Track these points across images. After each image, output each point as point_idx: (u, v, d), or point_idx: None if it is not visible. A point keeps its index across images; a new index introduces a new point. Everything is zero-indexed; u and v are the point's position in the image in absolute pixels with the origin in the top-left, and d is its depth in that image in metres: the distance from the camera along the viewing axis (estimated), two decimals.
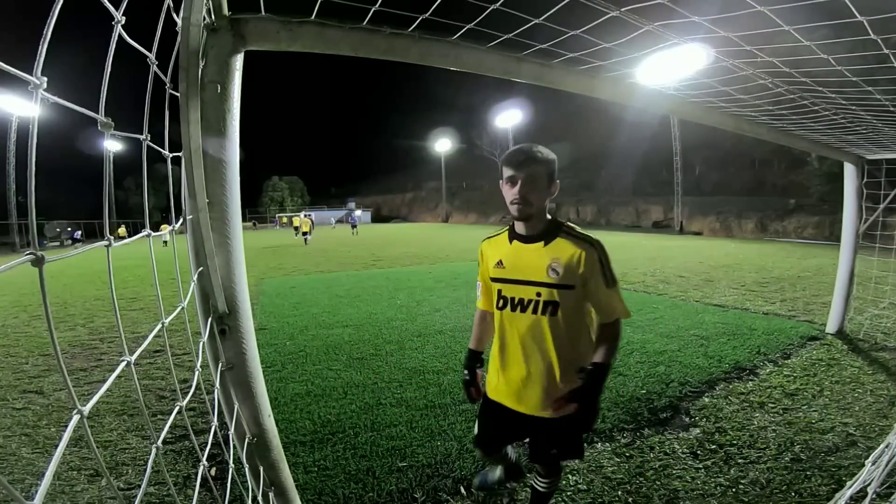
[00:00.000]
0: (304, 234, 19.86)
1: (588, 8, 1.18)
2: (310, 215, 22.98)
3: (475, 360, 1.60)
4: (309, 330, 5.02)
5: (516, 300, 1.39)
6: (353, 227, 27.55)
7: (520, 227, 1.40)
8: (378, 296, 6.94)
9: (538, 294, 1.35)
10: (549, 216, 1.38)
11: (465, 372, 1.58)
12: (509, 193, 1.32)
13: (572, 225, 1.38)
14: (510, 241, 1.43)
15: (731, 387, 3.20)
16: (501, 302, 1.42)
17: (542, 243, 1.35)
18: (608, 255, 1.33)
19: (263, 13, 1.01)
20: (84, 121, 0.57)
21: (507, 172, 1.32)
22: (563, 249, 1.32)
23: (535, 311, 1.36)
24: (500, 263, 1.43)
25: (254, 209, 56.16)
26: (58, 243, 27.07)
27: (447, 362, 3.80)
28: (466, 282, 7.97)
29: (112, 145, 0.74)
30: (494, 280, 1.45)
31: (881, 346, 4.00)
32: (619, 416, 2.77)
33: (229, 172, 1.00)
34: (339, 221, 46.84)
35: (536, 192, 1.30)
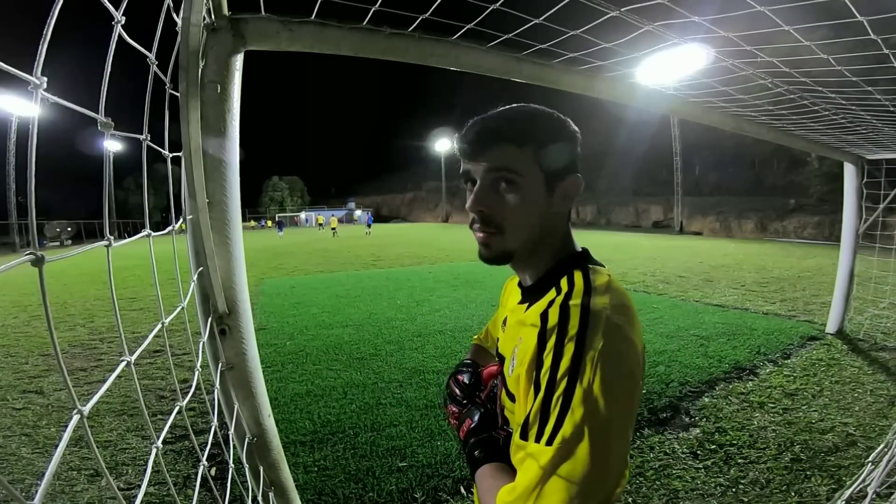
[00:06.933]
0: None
1: (588, 8, 1.18)
2: (309, 215, 28.40)
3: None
4: (309, 330, 5.02)
5: None
6: (368, 226, 30.10)
7: None
8: (378, 296, 6.94)
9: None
10: (563, 246, 0.69)
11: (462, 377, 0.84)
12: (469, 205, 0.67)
13: (596, 269, 0.64)
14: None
15: (731, 387, 3.20)
16: None
17: (528, 303, 0.68)
18: (594, 360, 0.51)
19: (263, 13, 1.02)
20: (84, 121, 0.57)
21: (463, 164, 0.68)
22: (534, 320, 0.61)
23: None
24: (504, 322, 0.80)
25: (254, 209, 56.21)
26: (58, 243, 27.09)
27: (447, 362, 3.80)
28: (466, 282, 7.96)
29: (112, 145, 0.74)
30: (497, 350, 0.80)
31: (881, 346, 4.00)
32: None
33: (229, 172, 1.00)
34: (340, 221, 47.74)
35: (523, 202, 0.63)
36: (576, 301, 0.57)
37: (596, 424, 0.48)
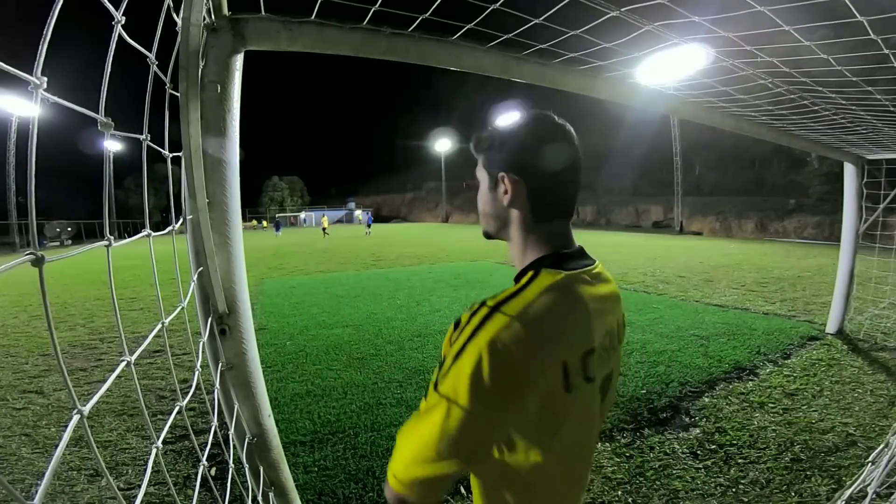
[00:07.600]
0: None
1: (588, 8, 1.18)
2: (309, 215, 28.12)
3: None
4: (309, 330, 5.02)
5: None
6: (368, 226, 29.07)
7: None
8: (378, 296, 6.94)
9: None
10: (535, 244, 0.72)
11: None
12: None
13: (549, 273, 0.66)
14: None
15: (731, 387, 3.20)
16: None
17: None
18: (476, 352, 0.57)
19: (263, 13, 1.02)
20: (84, 121, 0.57)
21: None
22: None
23: None
24: None
25: (254, 209, 56.20)
26: (58, 243, 27.08)
27: None
28: (466, 282, 7.96)
29: (112, 145, 0.74)
30: None
31: (881, 346, 4.00)
32: (619, 416, 2.77)
33: (229, 172, 1.00)
34: (339, 221, 47.64)
35: (480, 196, 0.80)
36: (496, 300, 0.63)
37: (449, 403, 0.58)
